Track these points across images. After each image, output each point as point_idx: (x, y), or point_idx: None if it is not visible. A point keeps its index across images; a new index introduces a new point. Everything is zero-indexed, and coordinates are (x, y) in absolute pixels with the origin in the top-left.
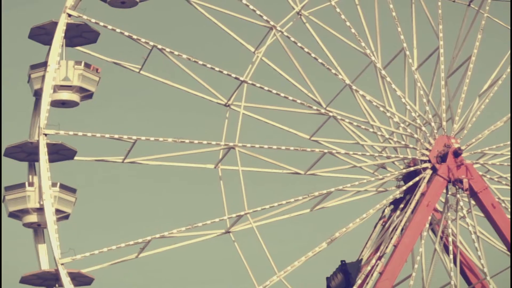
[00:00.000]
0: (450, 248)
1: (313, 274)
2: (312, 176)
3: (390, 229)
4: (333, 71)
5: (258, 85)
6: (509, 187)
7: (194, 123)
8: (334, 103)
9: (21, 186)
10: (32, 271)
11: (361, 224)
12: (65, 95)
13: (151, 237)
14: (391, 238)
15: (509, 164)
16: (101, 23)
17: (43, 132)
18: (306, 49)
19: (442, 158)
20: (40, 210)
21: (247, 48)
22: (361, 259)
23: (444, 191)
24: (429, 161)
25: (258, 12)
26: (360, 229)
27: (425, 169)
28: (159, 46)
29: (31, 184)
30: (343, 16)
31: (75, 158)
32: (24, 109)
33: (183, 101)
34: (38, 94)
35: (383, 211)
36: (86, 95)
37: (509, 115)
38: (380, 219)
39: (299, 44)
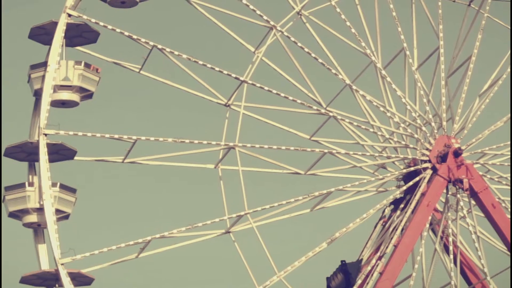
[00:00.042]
0: (450, 248)
1: (313, 274)
2: (312, 176)
3: (390, 229)
4: (333, 71)
5: (258, 85)
6: (509, 187)
7: (194, 123)
8: (334, 103)
9: (21, 186)
10: (32, 271)
11: (361, 224)
12: (65, 95)
13: (151, 237)
14: (391, 238)
15: (509, 164)
16: (101, 23)
17: (43, 132)
18: (306, 49)
19: (442, 158)
20: (40, 210)
21: (247, 48)
22: (361, 259)
23: (444, 191)
24: (429, 161)
25: (258, 12)
26: (360, 229)
27: (425, 169)
28: (159, 46)
29: (31, 184)
30: (343, 16)
31: (75, 158)
32: (24, 109)
33: (183, 101)
34: (38, 94)
35: (383, 211)
36: (86, 95)
37: (509, 115)
38: (380, 219)
39: (299, 44)
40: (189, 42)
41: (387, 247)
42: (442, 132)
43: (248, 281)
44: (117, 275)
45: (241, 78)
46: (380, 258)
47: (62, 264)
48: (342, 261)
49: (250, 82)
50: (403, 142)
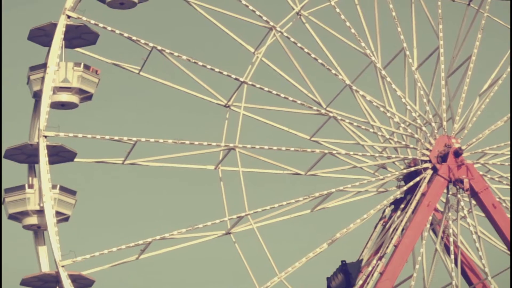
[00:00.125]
0: (451, 248)
1: (314, 274)
2: (313, 177)
3: (391, 229)
4: (333, 71)
5: (258, 85)
6: (510, 187)
7: (194, 124)
8: (334, 104)
9: (21, 188)
10: (32, 273)
11: (362, 225)
12: (64, 97)
13: (152, 239)
14: (392, 238)
15: (510, 163)
16: (101, 24)
17: (43, 134)
18: (306, 50)
19: (443, 158)
20: (40, 212)
21: (247, 49)
22: (362, 259)
23: (445, 191)
24: (430, 161)
25: (257, 12)
26: (361, 230)
27: (425, 169)
28: (159, 47)
29: (31, 186)
30: (343, 16)
31: (75, 160)
32: (24, 111)
33: (183, 102)
34: (37, 95)
35: (384, 211)
36: (86, 96)
37: (510, 114)
38: (380, 219)
39: (299, 45)
40: (189, 43)
41: (387, 247)
42: (442, 132)
43: (248, 282)
44: (117, 276)
45: (241, 79)
46: (380, 258)
47: (62, 266)
48: (342, 261)
49: (250, 82)
50: (403, 142)
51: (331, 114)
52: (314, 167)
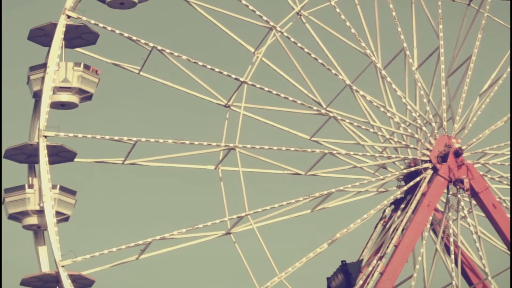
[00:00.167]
0: (451, 248)
1: (314, 274)
2: (313, 177)
3: (391, 229)
4: (333, 71)
5: (258, 85)
6: (510, 187)
7: (194, 124)
8: (334, 104)
9: (21, 188)
10: (32, 273)
11: (362, 225)
12: (64, 97)
13: (152, 239)
14: (392, 238)
15: (510, 163)
16: (101, 24)
17: (43, 134)
18: (306, 50)
19: (443, 158)
20: (40, 212)
21: (247, 49)
22: (362, 259)
23: (445, 191)
24: (430, 161)
25: (258, 12)
26: (361, 230)
27: (426, 169)
28: (159, 47)
29: (31, 186)
30: (343, 16)
31: (75, 160)
32: (24, 111)
33: (183, 102)
34: (37, 95)
35: (384, 211)
36: (86, 96)
37: (510, 114)
38: (380, 220)
39: (299, 45)
40: (189, 43)
41: (387, 247)
42: (442, 132)
43: (248, 282)
44: (117, 276)
45: (241, 79)
46: (380, 258)
47: (62, 266)
48: (342, 261)
49: (250, 82)
50: (404, 142)
51: (331, 114)
52: (314, 167)
